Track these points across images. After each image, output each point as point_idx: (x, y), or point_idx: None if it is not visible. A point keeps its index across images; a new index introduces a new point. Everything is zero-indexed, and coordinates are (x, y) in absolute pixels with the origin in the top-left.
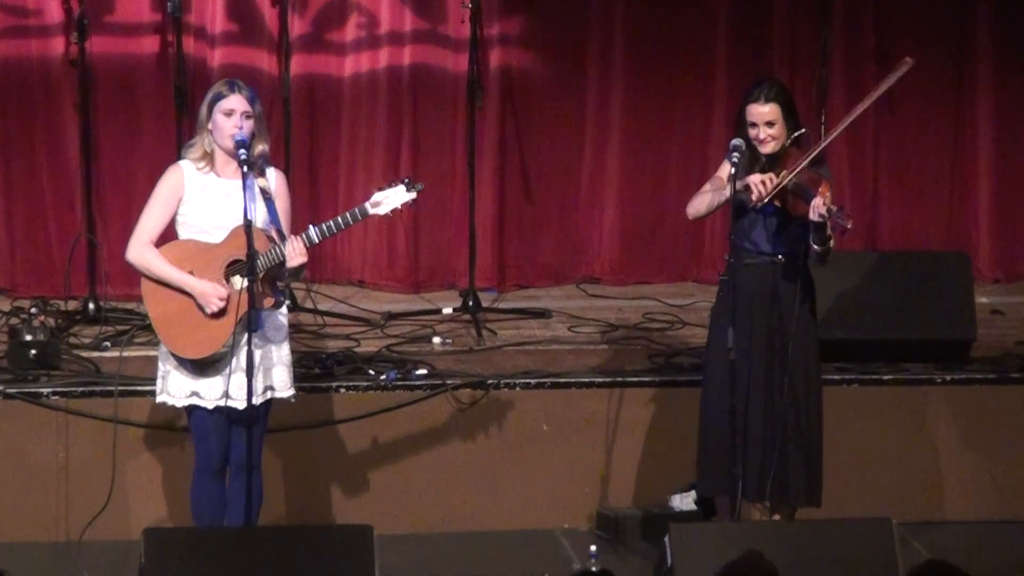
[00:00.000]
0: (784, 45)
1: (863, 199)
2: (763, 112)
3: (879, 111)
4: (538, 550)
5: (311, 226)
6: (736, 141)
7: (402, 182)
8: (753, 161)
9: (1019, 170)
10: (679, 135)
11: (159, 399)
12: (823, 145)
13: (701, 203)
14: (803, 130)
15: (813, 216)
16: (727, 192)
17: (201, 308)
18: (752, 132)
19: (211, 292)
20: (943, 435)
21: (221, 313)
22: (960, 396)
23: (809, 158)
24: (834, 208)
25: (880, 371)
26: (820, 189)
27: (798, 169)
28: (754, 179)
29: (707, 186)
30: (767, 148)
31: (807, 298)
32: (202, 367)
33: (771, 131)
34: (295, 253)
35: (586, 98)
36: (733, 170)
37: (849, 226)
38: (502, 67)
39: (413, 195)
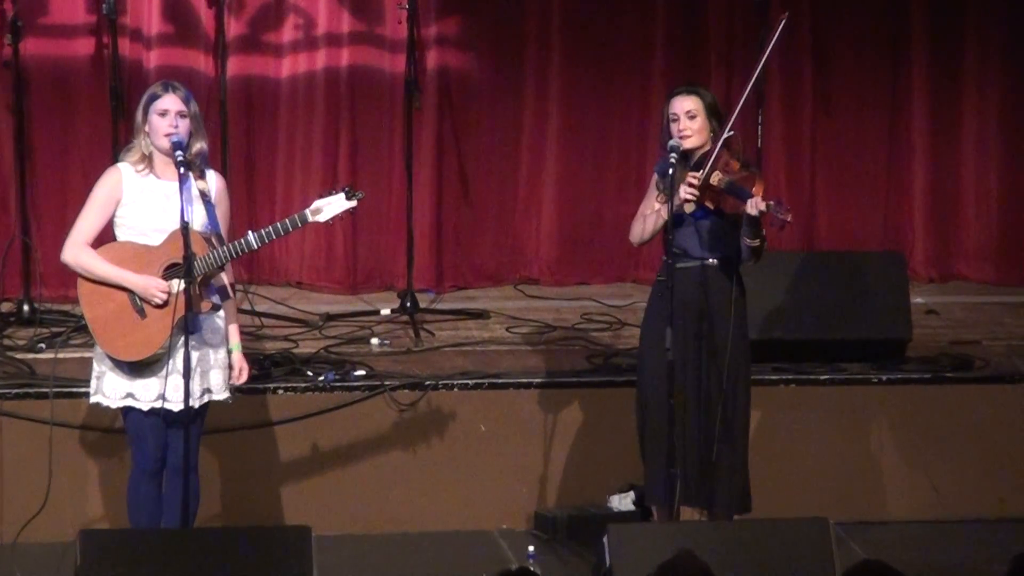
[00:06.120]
0: (721, 44)
1: (800, 200)
2: (684, 102)
3: (815, 112)
4: (476, 551)
5: (250, 232)
6: (673, 141)
7: (343, 190)
8: (683, 168)
9: (954, 171)
10: (617, 136)
11: (93, 400)
12: (730, 120)
13: (640, 228)
14: (731, 132)
15: (752, 211)
16: (664, 212)
17: (138, 310)
18: (674, 128)
19: (152, 285)
20: (879, 435)
21: (164, 305)
22: (896, 396)
23: (722, 139)
24: (772, 203)
25: (816, 371)
26: (755, 187)
27: (714, 156)
28: (681, 190)
29: (643, 207)
30: (689, 142)
31: (739, 303)
32: (138, 369)
33: (691, 123)
34: (240, 372)
35: (524, 99)
36: (671, 170)
37: (789, 219)
38: (439, 68)
39: (353, 203)
